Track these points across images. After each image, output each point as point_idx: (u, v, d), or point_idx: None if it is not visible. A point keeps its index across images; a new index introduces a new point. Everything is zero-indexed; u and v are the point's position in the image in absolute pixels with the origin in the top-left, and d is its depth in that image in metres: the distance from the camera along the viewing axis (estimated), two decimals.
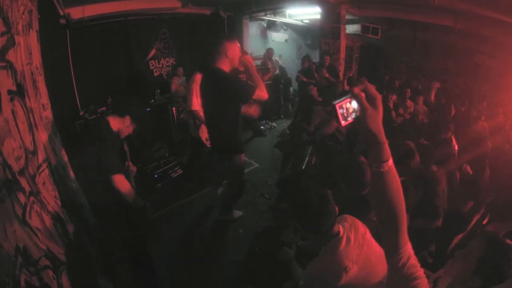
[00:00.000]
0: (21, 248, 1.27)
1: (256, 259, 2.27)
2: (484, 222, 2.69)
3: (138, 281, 2.37)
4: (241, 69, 2.72)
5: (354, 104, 0.77)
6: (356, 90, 0.75)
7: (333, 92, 5.30)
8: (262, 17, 7.83)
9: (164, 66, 6.02)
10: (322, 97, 5.05)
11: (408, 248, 0.83)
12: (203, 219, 3.48)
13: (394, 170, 0.81)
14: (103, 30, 4.75)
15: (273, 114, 7.24)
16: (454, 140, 2.90)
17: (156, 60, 5.87)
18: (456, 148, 2.89)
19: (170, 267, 2.74)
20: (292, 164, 3.66)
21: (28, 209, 1.47)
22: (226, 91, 2.51)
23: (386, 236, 0.87)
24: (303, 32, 9.64)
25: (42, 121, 2.15)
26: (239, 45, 2.62)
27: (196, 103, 3.55)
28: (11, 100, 1.57)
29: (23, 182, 1.50)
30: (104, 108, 4.34)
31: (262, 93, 2.59)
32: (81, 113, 4.18)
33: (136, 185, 2.37)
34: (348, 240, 1.40)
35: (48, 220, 1.69)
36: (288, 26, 8.83)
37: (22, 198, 1.44)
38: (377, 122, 0.77)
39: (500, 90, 4.95)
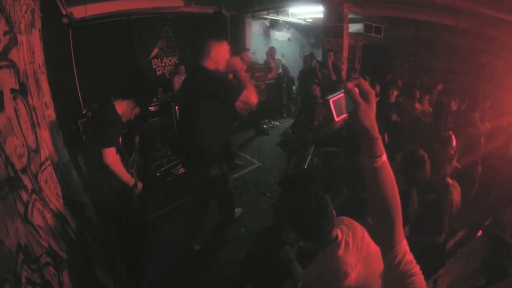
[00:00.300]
0: (23, 245, 1.28)
1: (257, 258, 2.27)
2: (486, 223, 2.67)
3: (132, 280, 2.42)
4: (230, 73, 2.55)
5: (347, 99, 0.77)
6: (350, 85, 0.75)
7: (336, 91, 5.28)
8: (265, 16, 7.80)
9: (167, 65, 6.03)
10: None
11: (404, 245, 0.83)
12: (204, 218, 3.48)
13: (387, 166, 0.81)
14: (106, 29, 4.75)
15: (275, 113, 7.24)
16: (454, 138, 2.86)
17: (159, 59, 5.88)
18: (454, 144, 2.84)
19: (171, 266, 2.74)
20: (294, 163, 3.67)
21: (30, 206, 1.49)
22: (207, 88, 2.33)
23: (381, 233, 0.86)
24: (306, 31, 9.63)
25: (45, 119, 2.16)
26: (227, 47, 2.47)
27: None
28: (14, 98, 1.58)
29: (26, 180, 1.52)
30: None
31: (250, 96, 2.41)
32: (83, 112, 4.20)
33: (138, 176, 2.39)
34: (347, 244, 1.38)
35: (50, 218, 1.70)
36: (291, 25, 8.81)
37: (24, 196, 1.45)
38: (370, 117, 0.77)
39: (505, 90, 4.91)
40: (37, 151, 1.80)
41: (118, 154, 2.13)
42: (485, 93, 5.59)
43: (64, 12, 3.78)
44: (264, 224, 3.15)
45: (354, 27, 6.72)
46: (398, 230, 0.83)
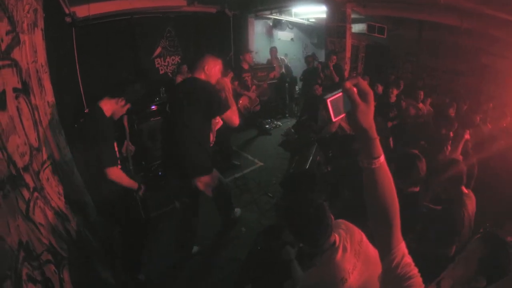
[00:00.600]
0: (24, 242, 1.30)
1: (257, 258, 2.27)
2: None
3: (129, 275, 2.45)
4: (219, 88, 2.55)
5: (345, 99, 0.75)
6: (348, 84, 0.73)
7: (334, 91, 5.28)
8: (267, 16, 7.81)
9: (170, 64, 6.04)
10: None
11: (402, 247, 0.82)
12: (205, 217, 3.48)
13: (385, 167, 0.80)
14: (109, 28, 4.77)
15: (278, 113, 7.25)
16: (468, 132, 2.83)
17: (162, 58, 5.89)
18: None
19: (171, 265, 2.75)
20: (296, 163, 3.66)
21: (31, 204, 1.50)
22: (198, 96, 2.32)
23: (379, 235, 0.86)
24: (309, 31, 9.60)
25: (47, 118, 2.18)
26: (221, 66, 2.51)
27: None
28: (16, 97, 1.60)
29: (27, 178, 1.53)
30: None
31: (233, 117, 2.42)
32: (86, 111, 4.21)
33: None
34: (344, 249, 1.37)
35: (51, 216, 1.71)
36: (294, 25, 8.78)
37: (26, 193, 1.47)
38: (368, 117, 0.75)
39: (508, 91, 4.88)
40: (39, 149, 1.81)
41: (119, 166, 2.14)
42: (489, 94, 5.55)
43: (67, 11, 3.80)
44: (265, 224, 3.14)
45: (357, 27, 6.70)
46: (396, 232, 0.82)
